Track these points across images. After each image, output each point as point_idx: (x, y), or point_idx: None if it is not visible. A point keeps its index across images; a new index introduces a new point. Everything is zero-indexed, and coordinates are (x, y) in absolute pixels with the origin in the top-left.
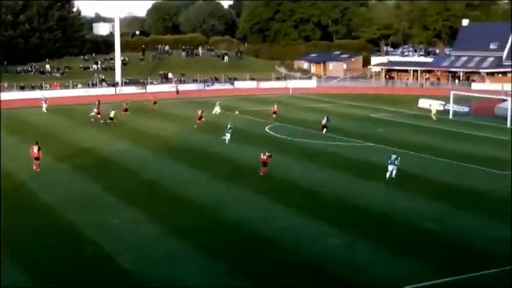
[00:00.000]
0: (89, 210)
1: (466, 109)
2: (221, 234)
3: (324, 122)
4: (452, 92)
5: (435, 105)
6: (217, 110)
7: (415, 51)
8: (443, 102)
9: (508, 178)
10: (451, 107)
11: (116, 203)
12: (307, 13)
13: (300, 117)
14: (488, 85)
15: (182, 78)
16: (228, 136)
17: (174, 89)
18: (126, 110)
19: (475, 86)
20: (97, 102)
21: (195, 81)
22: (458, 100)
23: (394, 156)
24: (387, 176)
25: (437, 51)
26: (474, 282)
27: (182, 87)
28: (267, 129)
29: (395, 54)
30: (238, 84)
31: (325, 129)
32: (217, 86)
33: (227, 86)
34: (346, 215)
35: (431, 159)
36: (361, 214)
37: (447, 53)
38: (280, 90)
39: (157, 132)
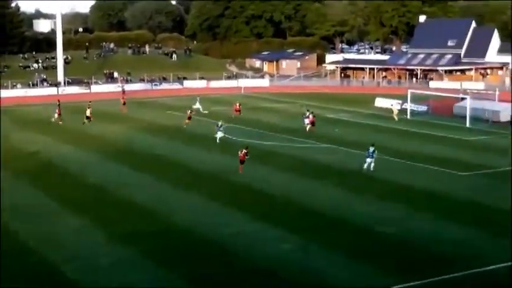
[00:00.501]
0: (31, 218)
1: (424, 108)
2: (170, 240)
3: (311, 118)
4: (409, 91)
5: (396, 106)
6: (198, 106)
7: (371, 48)
8: (400, 102)
9: (466, 179)
10: (409, 106)
11: (60, 210)
12: (259, 9)
13: (253, 117)
14: (447, 83)
15: (128, 78)
16: (220, 134)
17: (120, 89)
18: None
19: (433, 84)
20: (58, 103)
21: (142, 80)
22: (416, 99)
23: (372, 149)
24: (365, 167)
25: (393, 48)
26: (434, 287)
27: (128, 87)
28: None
29: (351, 52)
30: (188, 83)
31: (311, 127)
32: (165, 86)
33: (176, 85)
34: (300, 219)
35: (389, 159)
36: (316, 217)
37: (404, 50)
38: (232, 90)
39: (103, 134)
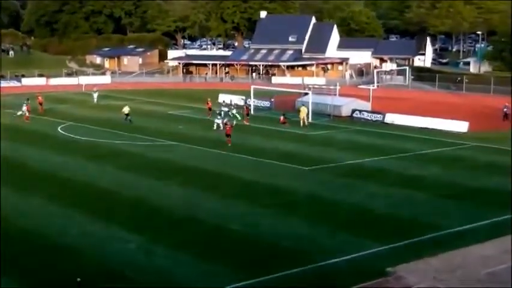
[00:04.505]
0: None
1: (267, 104)
2: (12, 246)
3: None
4: (252, 87)
5: (304, 110)
6: (95, 97)
7: (214, 44)
8: (243, 97)
9: (308, 174)
10: (252, 102)
11: None
12: (99, 4)
13: (95, 115)
14: (289, 79)
15: None
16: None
17: None
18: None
19: (275, 79)
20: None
21: None
22: (260, 95)
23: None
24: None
25: (236, 44)
26: (280, 282)
27: None
28: (59, 129)
29: (193, 48)
30: (26, 81)
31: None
32: (2, 84)
33: (13, 83)
34: (146, 218)
35: (233, 155)
36: (162, 217)
37: (246, 46)
38: (72, 87)
39: None
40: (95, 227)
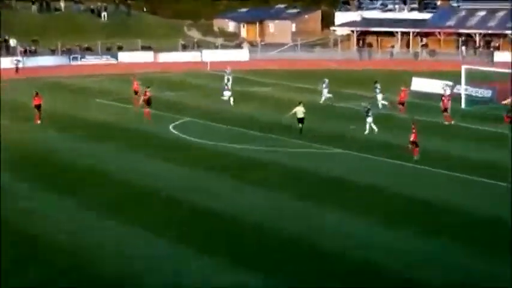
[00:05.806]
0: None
1: (487, 93)
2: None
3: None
4: (464, 67)
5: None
6: (226, 81)
7: (405, 3)
8: (451, 83)
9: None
10: (464, 90)
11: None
12: None
13: (224, 108)
14: None
15: (32, 48)
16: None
17: (14, 66)
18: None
19: (499, 56)
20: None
21: (53, 52)
22: (475, 80)
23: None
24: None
25: (438, 2)
26: None
27: (32, 61)
28: (171, 128)
29: (373, 8)
30: (125, 56)
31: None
32: (90, 60)
33: (106, 59)
34: (293, 261)
35: (425, 169)
36: (322, 260)
37: (454, 5)
38: (192, 65)
39: None
40: (216, 269)
